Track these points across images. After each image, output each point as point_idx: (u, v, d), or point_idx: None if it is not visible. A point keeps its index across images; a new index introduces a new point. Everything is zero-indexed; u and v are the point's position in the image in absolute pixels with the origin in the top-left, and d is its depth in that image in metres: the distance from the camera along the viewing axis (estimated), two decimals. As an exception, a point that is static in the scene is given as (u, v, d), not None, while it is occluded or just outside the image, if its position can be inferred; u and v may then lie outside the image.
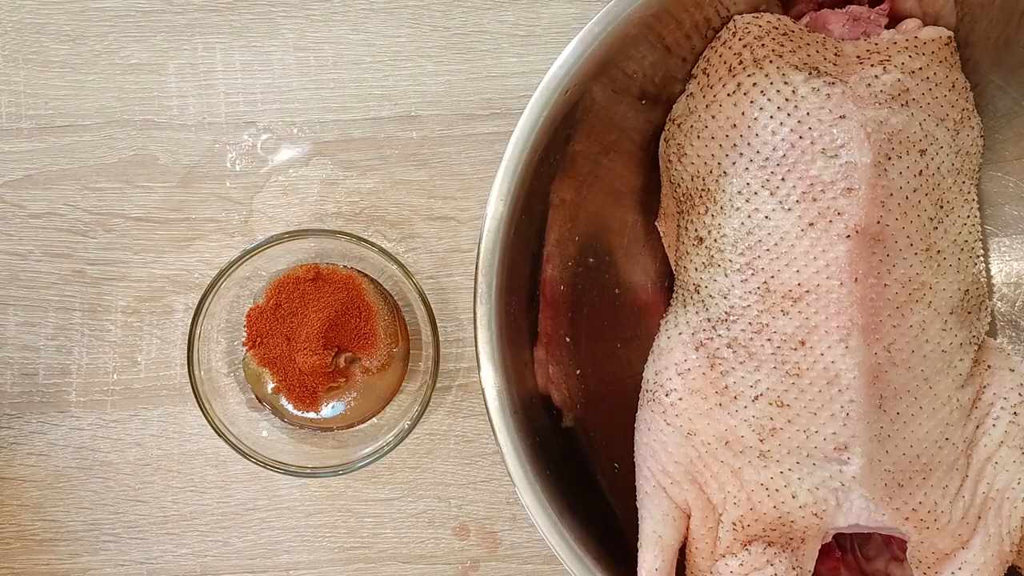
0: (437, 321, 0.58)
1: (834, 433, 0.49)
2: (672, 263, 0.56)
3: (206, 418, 0.57)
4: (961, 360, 0.52)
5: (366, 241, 0.57)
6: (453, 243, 0.61)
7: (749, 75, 0.51)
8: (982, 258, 0.54)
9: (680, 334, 0.52)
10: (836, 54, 0.52)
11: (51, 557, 0.60)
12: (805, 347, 0.49)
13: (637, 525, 0.52)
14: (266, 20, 0.61)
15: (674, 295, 0.56)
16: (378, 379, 0.59)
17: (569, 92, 0.50)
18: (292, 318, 0.58)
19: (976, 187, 0.54)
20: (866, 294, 0.49)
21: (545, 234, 0.54)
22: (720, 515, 0.51)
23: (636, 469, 0.53)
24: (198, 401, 0.57)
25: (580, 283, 0.56)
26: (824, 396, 0.49)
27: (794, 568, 0.50)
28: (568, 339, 0.56)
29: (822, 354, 0.49)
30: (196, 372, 0.57)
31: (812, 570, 0.51)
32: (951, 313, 0.51)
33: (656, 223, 0.57)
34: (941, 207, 0.51)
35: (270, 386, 0.58)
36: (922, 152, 0.50)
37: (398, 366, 0.59)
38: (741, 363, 0.50)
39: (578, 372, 0.56)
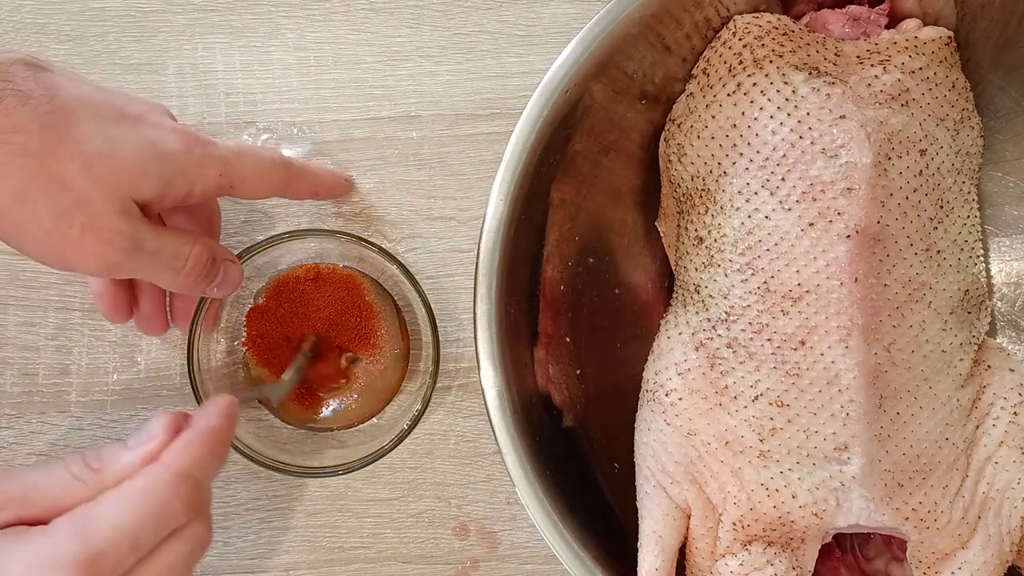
0: (437, 321, 0.57)
1: (834, 433, 0.49)
2: (672, 263, 0.56)
3: None
4: (961, 360, 0.52)
5: (366, 241, 0.57)
6: (453, 243, 0.61)
7: (749, 75, 0.51)
8: (982, 258, 0.54)
9: (680, 334, 0.52)
10: (836, 54, 0.52)
11: (51, 557, 0.60)
12: (805, 347, 0.49)
13: (637, 525, 0.52)
14: (266, 20, 0.61)
15: (674, 295, 0.56)
16: (378, 379, 0.58)
17: (569, 92, 0.50)
18: (292, 318, 0.58)
19: (976, 187, 0.54)
20: (866, 294, 0.49)
21: (545, 234, 0.54)
22: (720, 515, 0.51)
23: (636, 469, 0.53)
24: (198, 401, 0.57)
25: (580, 283, 0.56)
26: (824, 396, 0.49)
27: (794, 568, 0.50)
28: (568, 339, 0.56)
29: (822, 354, 0.49)
30: (196, 373, 0.57)
31: (812, 570, 0.51)
32: (951, 313, 0.51)
33: (656, 223, 0.57)
34: (941, 207, 0.51)
35: None
36: (922, 152, 0.50)
37: (398, 366, 0.59)
38: (741, 363, 0.50)
39: (578, 372, 0.56)
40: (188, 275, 0.49)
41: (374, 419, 0.60)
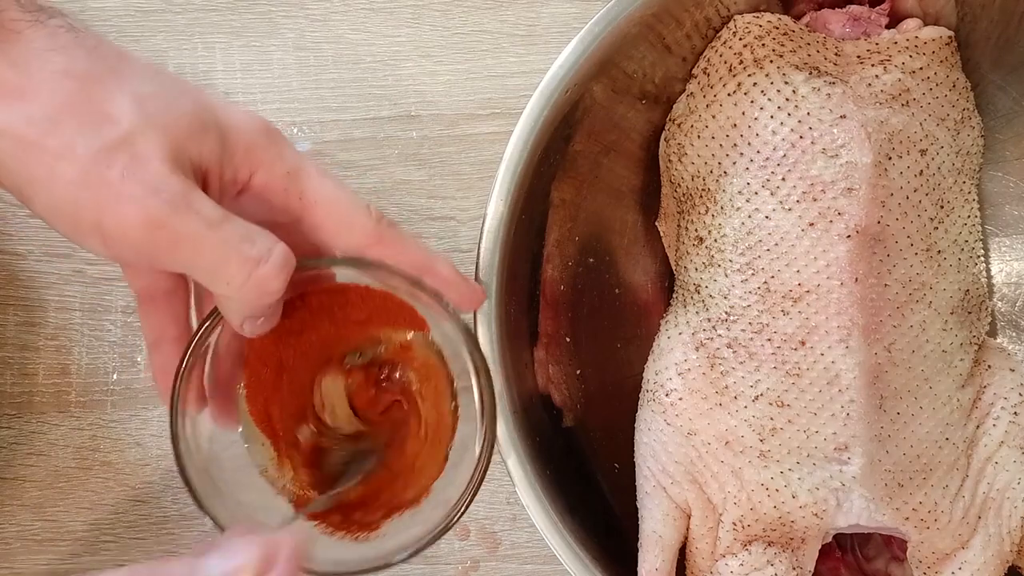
0: (496, 410, 0.44)
1: (834, 433, 0.49)
2: (672, 263, 0.56)
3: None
4: (961, 360, 0.52)
5: (420, 285, 0.42)
6: (453, 243, 0.61)
7: (750, 75, 0.51)
8: (982, 258, 0.54)
9: (680, 334, 0.52)
10: (836, 54, 0.52)
11: (51, 557, 0.60)
12: (805, 347, 0.49)
13: (637, 525, 0.52)
14: (266, 20, 0.61)
15: (674, 295, 0.56)
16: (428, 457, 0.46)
17: (569, 92, 0.50)
18: (318, 334, 0.44)
19: (976, 187, 0.54)
20: (866, 294, 0.49)
21: (545, 234, 0.54)
22: (720, 515, 0.51)
23: (636, 469, 0.53)
24: (217, 526, 0.41)
25: (580, 283, 0.56)
26: (824, 396, 0.49)
27: (794, 568, 0.50)
28: (568, 339, 0.56)
29: (822, 354, 0.49)
30: (187, 462, 0.41)
31: (812, 570, 0.51)
32: (951, 313, 0.51)
33: (656, 223, 0.57)
34: (941, 207, 0.51)
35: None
36: (923, 152, 0.50)
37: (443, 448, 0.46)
38: (741, 363, 0.50)
39: (578, 372, 0.56)
40: (266, 277, 0.37)
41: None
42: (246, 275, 0.37)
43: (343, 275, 0.43)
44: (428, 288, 0.42)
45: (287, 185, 0.40)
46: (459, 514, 0.43)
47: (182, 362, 0.41)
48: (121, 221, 0.36)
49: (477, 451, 0.44)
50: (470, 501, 0.43)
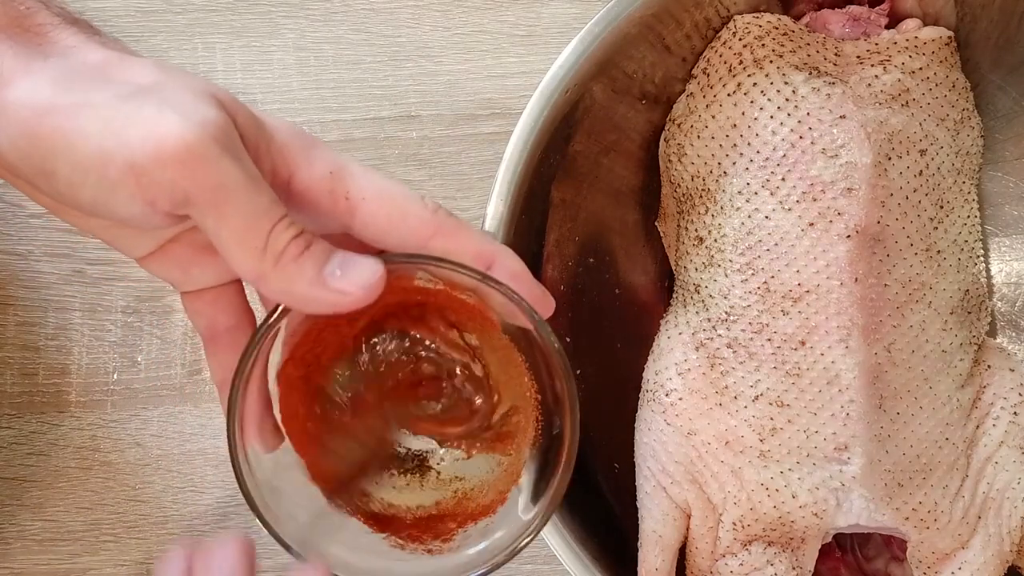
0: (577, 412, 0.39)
1: (834, 433, 0.49)
2: (672, 263, 0.56)
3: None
4: (961, 360, 0.52)
5: (488, 279, 0.37)
6: (453, 243, 0.61)
7: (749, 75, 0.51)
8: (982, 258, 0.54)
9: (680, 334, 0.52)
10: (836, 54, 0.52)
11: (51, 557, 0.60)
12: (805, 347, 0.49)
13: (637, 525, 0.52)
14: (266, 20, 0.61)
15: (674, 295, 0.56)
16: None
17: (569, 92, 0.50)
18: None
19: (976, 187, 0.54)
20: (866, 294, 0.49)
21: (545, 234, 0.54)
22: (720, 515, 0.51)
23: (636, 469, 0.53)
24: (286, 547, 0.40)
25: (580, 283, 0.56)
26: (824, 396, 0.49)
27: (794, 568, 0.50)
28: (568, 339, 0.56)
29: (822, 354, 0.49)
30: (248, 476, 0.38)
31: (812, 570, 0.51)
32: (951, 313, 0.51)
33: (656, 223, 0.57)
34: (941, 207, 0.51)
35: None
36: (922, 152, 0.50)
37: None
38: (741, 363, 0.50)
39: (578, 372, 0.56)
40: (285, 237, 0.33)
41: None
42: (267, 233, 0.33)
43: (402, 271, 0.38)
44: (496, 282, 0.37)
45: (331, 186, 0.35)
46: (540, 525, 0.38)
47: (237, 373, 0.35)
48: (160, 149, 0.31)
49: (552, 452, 0.39)
50: (551, 512, 0.38)
